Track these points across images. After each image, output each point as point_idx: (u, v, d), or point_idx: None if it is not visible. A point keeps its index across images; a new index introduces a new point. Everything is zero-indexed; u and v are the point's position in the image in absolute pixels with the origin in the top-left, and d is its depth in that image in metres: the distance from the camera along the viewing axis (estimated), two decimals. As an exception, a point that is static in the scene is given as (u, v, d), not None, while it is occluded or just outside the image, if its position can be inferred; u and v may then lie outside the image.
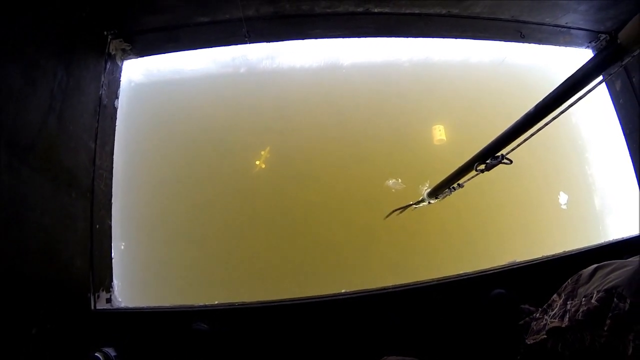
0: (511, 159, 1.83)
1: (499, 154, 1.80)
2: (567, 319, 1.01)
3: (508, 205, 3.02)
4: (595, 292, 0.96)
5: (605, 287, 0.95)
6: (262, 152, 2.91)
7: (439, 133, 3.11)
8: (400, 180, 2.98)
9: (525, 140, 1.69)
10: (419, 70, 3.02)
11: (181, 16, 2.14)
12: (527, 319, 1.20)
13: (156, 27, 2.17)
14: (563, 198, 3.09)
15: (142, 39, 2.19)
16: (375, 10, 2.45)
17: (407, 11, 2.50)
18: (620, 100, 2.75)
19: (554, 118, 1.51)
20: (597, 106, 3.02)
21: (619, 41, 1.21)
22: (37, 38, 1.64)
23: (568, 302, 1.04)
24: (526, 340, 1.12)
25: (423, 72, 3.03)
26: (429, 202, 2.53)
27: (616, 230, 2.97)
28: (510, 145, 1.74)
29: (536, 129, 1.60)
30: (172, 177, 2.69)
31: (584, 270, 1.07)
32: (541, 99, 1.49)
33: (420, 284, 1.88)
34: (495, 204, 3.01)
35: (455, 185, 2.25)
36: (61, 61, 1.77)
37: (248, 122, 2.88)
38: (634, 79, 2.62)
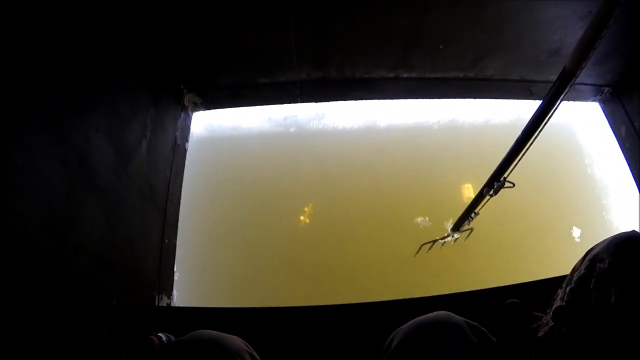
0: (513, 182, 2.08)
1: (501, 178, 2.07)
2: (566, 296, 1.12)
3: (525, 234, 3.18)
4: (583, 265, 1.12)
5: (589, 258, 1.10)
6: (306, 209, 3.07)
7: (468, 191, 3.33)
8: (427, 218, 3.09)
9: (518, 161, 1.96)
10: (447, 132, 3.39)
11: (246, 76, 2.59)
12: (539, 322, 1.26)
13: (224, 85, 2.61)
14: (576, 232, 3.21)
15: (211, 94, 2.61)
16: (404, 76, 2.88)
17: (431, 76, 2.92)
18: (627, 144, 2.96)
19: (534, 139, 1.84)
20: (608, 153, 3.24)
21: (565, 68, 1.54)
22: (140, 81, 2.06)
23: (567, 287, 1.15)
24: (538, 335, 1.19)
25: (450, 133, 3.40)
26: (453, 236, 2.72)
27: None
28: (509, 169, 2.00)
29: (524, 151, 1.91)
30: (222, 225, 2.82)
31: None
32: (524, 126, 1.83)
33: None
34: (513, 234, 3.17)
35: (472, 214, 2.45)
36: (152, 102, 2.18)
37: (295, 178, 3.09)
38: (635, 124, 2.89)
